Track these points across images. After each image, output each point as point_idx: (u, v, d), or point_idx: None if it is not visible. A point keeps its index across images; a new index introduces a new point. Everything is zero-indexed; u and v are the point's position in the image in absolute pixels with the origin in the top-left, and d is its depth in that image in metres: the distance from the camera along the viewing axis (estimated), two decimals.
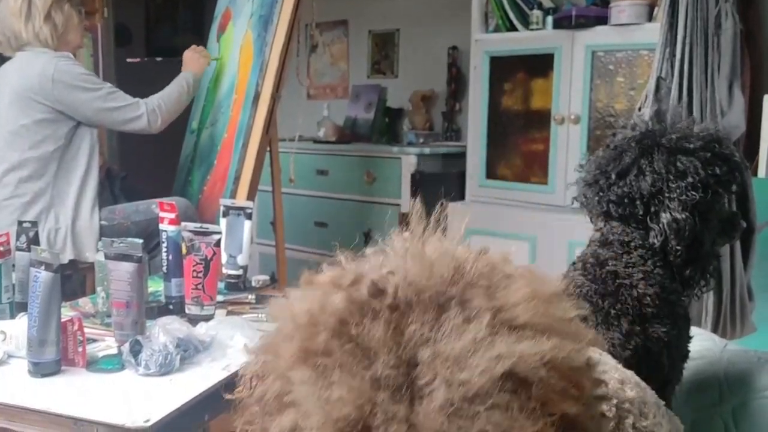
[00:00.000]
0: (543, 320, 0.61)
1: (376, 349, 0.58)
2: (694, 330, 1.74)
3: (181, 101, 2.78)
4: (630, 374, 1.08)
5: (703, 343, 1.77)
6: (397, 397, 0.56)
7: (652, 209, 1.46)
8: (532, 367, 0.57)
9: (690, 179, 1.43)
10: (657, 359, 1.41)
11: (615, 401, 0.99)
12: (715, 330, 2.14)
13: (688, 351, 1.53)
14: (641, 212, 1.47)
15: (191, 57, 2.92)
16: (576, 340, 0.63)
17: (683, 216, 1.42)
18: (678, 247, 1.44)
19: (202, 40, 3.69)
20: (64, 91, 2.52)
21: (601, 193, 1.52)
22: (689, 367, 1.61)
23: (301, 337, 0.61)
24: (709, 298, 2.13)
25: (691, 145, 1.46)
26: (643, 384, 1.10)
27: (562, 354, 0.59)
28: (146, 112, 2.65)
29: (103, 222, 2.62)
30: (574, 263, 1.54)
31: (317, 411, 0.56)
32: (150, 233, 2.56)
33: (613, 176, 1.50)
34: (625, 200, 1.48)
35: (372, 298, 0.61)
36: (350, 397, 0.56)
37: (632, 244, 1.47)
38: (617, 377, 1.03)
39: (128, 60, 3.14)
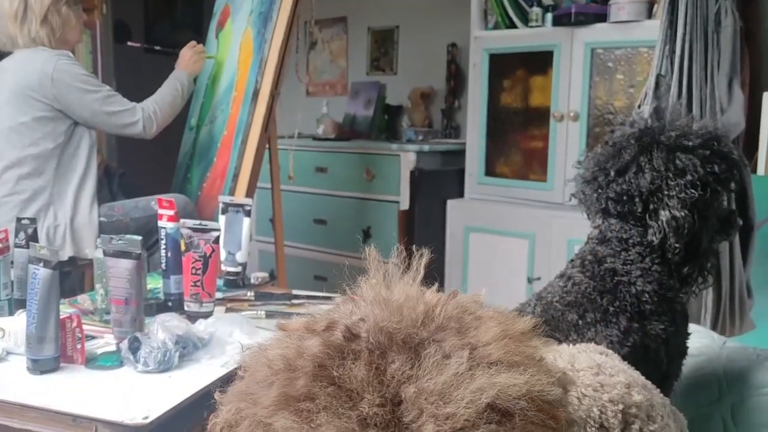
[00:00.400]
0: (515, 357, 0.63)
1: (360, 389, 0.58)
2: (693, 327, 1.74)
3: (175, 105, 2.78)
4: (637, 376, 1.08)
5: (702, 340, 1.77)
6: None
7: (651, 207, 1.46)
8: (513, 398, 0.58)
9: (689, 177, 1.43)
10: (655, 356, 1.41)
11: (621, 406, 0.99)
12: (714, 327, 2.15)
13: (687, 347, 1.53)
14: (640, 209, 1.47)
15: (188, 57, 2.91)
16: (548, 375, 0.64)
17: (682, 214, 1.42)
18: (677, 245, 1.44)
19: (200, 36, 3.69)
20: (63, 91, 2.52)
21: (599, 190, 1.52)
22: (688, 364, 1.61)
23: (280, 383, 0.61)
24: (709, 295, 2.13)
25: (690, 143, 1.46)
26: (650, 385, 1.09)
27: (538, 387, 0.61)
28: (142, 119, 2.64)
29: (102, 219, 2.62)
30: (572, 260, 1.54)
31: None
32: (149, 230, 2.56)
33: (612, 173, 1.50)
34: (624, 197, 1.48)
35: (347, 342, 0.62)
36: None
37: (630, 241, 1.47)
38: (624, 381, 1.03)
39: (129, 43, 3.13)
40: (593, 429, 0.97)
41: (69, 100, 2.53)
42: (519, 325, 0.68)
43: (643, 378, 1.10)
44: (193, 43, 2.97)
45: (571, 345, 1.16)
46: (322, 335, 0.64)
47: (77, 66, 2.61)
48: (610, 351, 1.17)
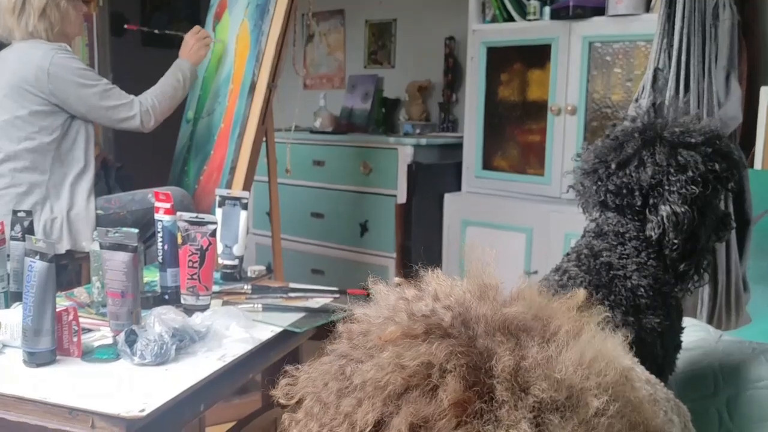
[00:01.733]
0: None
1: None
2: (689, 321, 1.75)
3: (176, 97, 2.76)
4: (641, 371, 1.08)
5: (698, 334, 1.77)
6: None
7: (651, 201, 1.46)
8: None
9: (690, 173, 1.43)
10: (650, 350, 1.41)
11: None
12: (710, 321, 2.15)
13: (681, 341, 1.54)
14: (639, 203, 1.47)
15: (191, 45, 2.88)
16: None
17: (683, 209, 1.42)
18: (675, 241, 1.44)
19: None
20: (59, 85, 2.51)
21: (599, 183, 1.52)
22: (684, 358, 1.62)
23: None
24: (705, 290, 2.14)
25: (694, 140, 1.46)
26: (654, 380, 1.09)
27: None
28: (140, 113, 2.63)
29: (99, 211, 2.62)
30: (568, 254, 1.54)
31: None
32: (146, 223, 2.56)
33: (613, 166, 1.50)
34: (624, 190, 1.48)
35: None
36: None
37: (627, 235, 1.47)
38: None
39: (126, 26, 3.11)
40: None
41: (66, 95, 2.52)
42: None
43: (647, 373, 1.10)
44: (197, 28, 2.95)
45: None
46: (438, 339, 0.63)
47: (74, 60, 2.60)
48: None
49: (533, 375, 0.59)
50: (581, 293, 0.73)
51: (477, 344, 0.62)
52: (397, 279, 0.74)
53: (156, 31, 3.07)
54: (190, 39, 2.90)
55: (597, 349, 0.64)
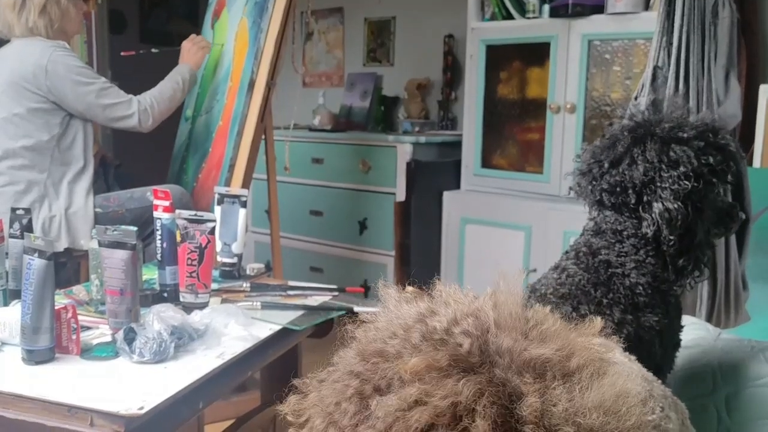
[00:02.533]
0: None
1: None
2: (688, 319, 1.75)
3: (175, 99, 2.76)
4: (637, 369, 1.08)
5: (697, 332, 1.77)
6: None
7: (645, 198, 1.46)
8: None
9: (682, 168, 1.43)
10: (649, 348, 1.41)
11: None
12: (709, 319, 2.15)
13: (680, 339, 1.54)
14: (633, 201, 1.47)
15: (189, 49, 2.90)
16: None
17: (675, 206, 1.42)
18: (671, 237, 1.44)
19: (196, 26, 3.67)
20: (56, 83, 2.51)
21: (594, 182, 1.52)
22: (683, 356, 1.62)
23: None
24: (704, 288, 2.14)
25: (685, 135, 1.45)
26: (651, 377, 1.09)
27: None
28: (138, 111, 2.63)
29: (97, 209, 2.62)
30: (566, 252, 1.54)
31: None
32: (145, 221, 2.56)
33: (606, 165, 1.50)
34: (618, 189, 1.48)
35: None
36: None
37: (625, 233, 1.47)
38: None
39: (122, 54, 3.11)
40: None
41: (63, 93, 2.52)
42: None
43: (643, 370, 1.10)
44: (193, 35, 2.96)
45: None
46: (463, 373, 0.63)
47: (72, 57, 2.60)
48: (613, 344, 1.17)
49: (559, 418, 0.59)
50: (598, 323, 0.72)
51: (504, 382, 0.61)
52: (410, 289, 0.73)
53: (154, 50, 3.06)
54: (187, 45, 2.92)
55: (619, 391, 0.64)
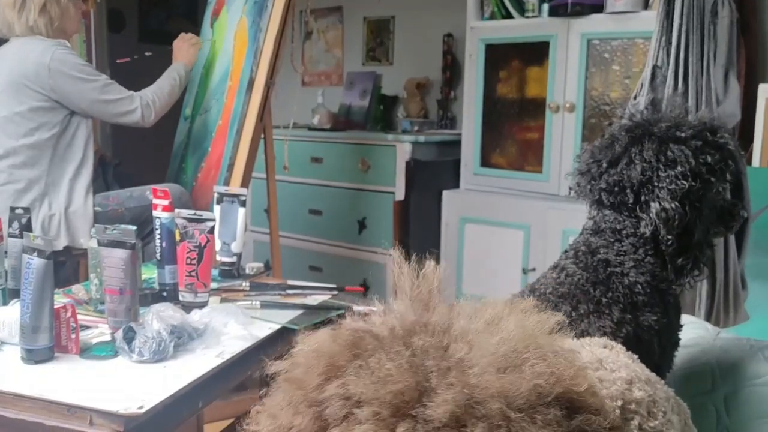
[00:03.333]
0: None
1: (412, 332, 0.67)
2: (687, 318, 1.75)
3: (173, 94, 2.79)
4: (641, 371, 1.07)
5: (696, 331, 1.77)
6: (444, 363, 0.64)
7: (642, 198, 1.46)
8: None
9: (680, 168, 1.43)
10: (648, 347, 1.41)
11: (620, 402, 0.98)
12: (708, 318, 2.15)
13: (679, 339, 1.54)
14: (631, 201, 1.47)
15: (181, 47, 2.92)
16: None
17: (672, 205, 1.42)
18: (669, 237, 1.44)
19: (195, 25, 3.67)
20: (59, 81, 2.51)
21: (593, 182, 1.52)
22: (682, 355, 1.62)
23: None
24: (703, 287, 2.14)
25: (683, 134, 1.45)
26: (654, 378, 1.09)
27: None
28: (141, 106, 2.65)
29: (96, 208, 2.62)
30: (566, 251, 1.54)
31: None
32: (144, 219, 2.56)
33: (604, 164, 1.51)
34: (616, 189, 1.48)
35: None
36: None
37: (624, 232, 1.47)
38: (625, 377, 1.02)
39: (118, 61, 3.11)
40: None
41: (66, 90, 2.53)
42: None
43: (647, 372, 1.09)
44: (183, 34, 2.97)
45: (575, 339, 1.15)
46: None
47: (74, 55, 2.61)
48: (616, 344, 1.16)
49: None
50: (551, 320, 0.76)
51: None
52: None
53: (147, 54, 3.06)
54: (179, 43, 2.94)
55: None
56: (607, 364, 1.04)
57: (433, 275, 0.77)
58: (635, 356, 1.14)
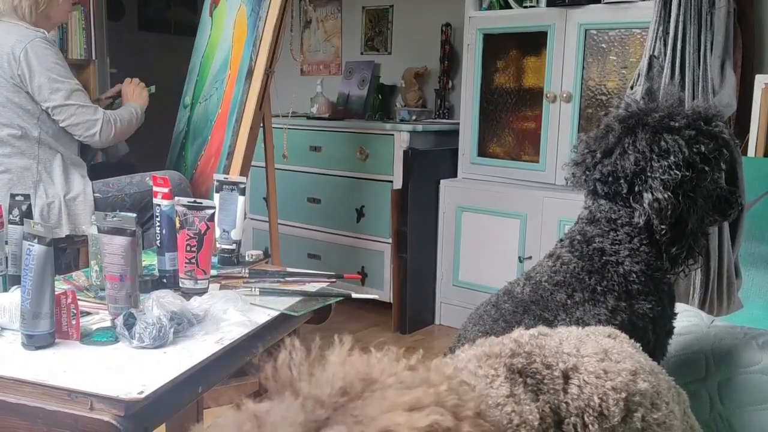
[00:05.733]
0: None
1: None
2: (682, 306, 1.76)
3: (132, 125, 2.73)
4: (645, 361, 1.08)
5: (690, 319, 1.79)
6: None
7: (636, 188, 1.46)
8: None
9: (673, 158, 1.43)
10: (642, 335, 1.43)
11: (624, 394, 0.99)
12: (702, 307, 2.17)
13: (673, 327, 1.55)
14: (625, 191, 1.47)
15: (132, 91, 2.86)
16: None
17: (665, 195, 1.43)
18: (662, 227, 1.45)
19: (195, 13, 3.67)
20: (27, 73, 2.47)
21: (588, 172, 1.53)
22: (677, 343, 1.63)
23: None
24: (697, 276, 2.15)
25: (676, 124, 1.46)
26: (658, 368, 1.10)
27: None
28: (102, 120, 2.59)
29: (97, 195, 2.61)
30: (561, 240, 1.56)
31: None
32: (144, 205, 2.56)
33: (599, 155, 1.51)
34: (610, 179, 1.49)
35: None
36: None
37: (619, 221, 1.48)
38: (630, 368, 1.03)
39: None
40: (591, 418, 0.98)
41: (34, 85, 2.49)
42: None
43: (650, 361, 1.10)
44: (128, 79, 2.91)
45: (580, 328, 1.16)
46: None
47: (51, 51, 2.54)
48: (620, 333, 1.16)
49: None
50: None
51: None
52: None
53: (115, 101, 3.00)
54: (127, 88, 2.88)
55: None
56: (612, 355, 1.05)
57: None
58: (638, 345, 1.15)
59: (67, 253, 2.71)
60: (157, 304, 1.49)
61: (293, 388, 0.71)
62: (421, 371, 0.74)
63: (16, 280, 1.65)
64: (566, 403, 0.98)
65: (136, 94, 2.86)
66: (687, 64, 2.17)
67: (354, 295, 1.84)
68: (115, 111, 2.69)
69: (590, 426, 0.97)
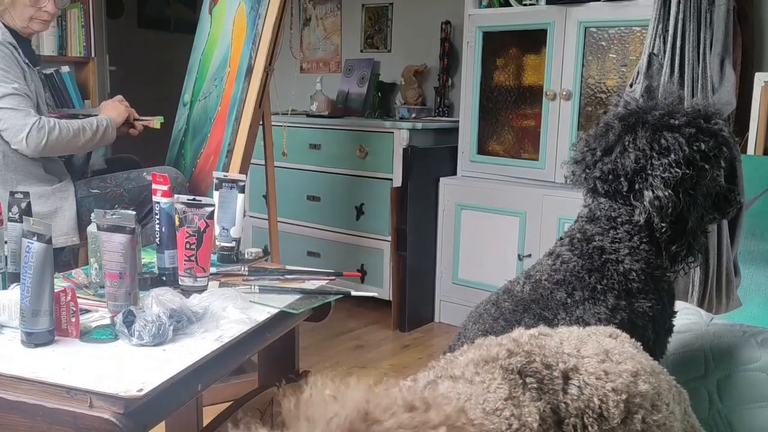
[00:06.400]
0: None
1: None
2: (681, 305, 1.76)
3: (80, 136, 2.51)
4: (646, 362, 1.07)
5: (690, 317, 1.79)
6: None
7: (636, 186, 1.46)
8: None
9: (673, 156, 1.43)
10: (642, 333, 1.43)
11: (625, 396, 0.99)
12: (701, 305, 2.17)
13: (673, 325, 1.55)
14: (626, 189, 1.47)
15: (110, 103, 2.76)
16: None
17: (666, 193, 1.43)
18: (663, 225, 1.45)
19: (194, 11, 3.67)
20: None
21: (587, 170, 1.53)
22: (676, 341, 1.63)
23: None
24: (696, 274, 2.15)
25: (676, 122, 1.46)
26: (659, 368, 1.09)
27: None
28: (32, 126, 2.39)
29: (95, 191, 2.60)
30: (561, 238, 1.55)
31: None
32: (143, 199, 2.56)
33: (599, 153, 1.51)
34: (610, 177, 1.49)
35: None
36: None
37: (619, 219, 1.48)
38: (631, 369, 1.02)
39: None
40: (591, 419, 0.97)
41: None
42: None
43: (651, 362, 1.09)
44: (117, 96, 2.82)
45: (581, 328, 1.16)
46: None
47: None
48: (621, 333, 1.16)
49: None
50: None
51: None
52: None
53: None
54: (110, 102, 2.78)
55: None
56: (613, 356, 1.04)
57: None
58: (639, 344, 1.14)
59: (67, 250, 2.70)
60: (157, 302, 1.49)
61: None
62: (421, 410, 0.74)
63: (15, 277, 1.65)
64: (566, 403, 0.97)
65: (111, 106, 2.73)
66: (686, 62, 2.16)
67: (353, 293, 1.84)
68: (66, 121, 2.50)
69: (590, 427, 0.97)
